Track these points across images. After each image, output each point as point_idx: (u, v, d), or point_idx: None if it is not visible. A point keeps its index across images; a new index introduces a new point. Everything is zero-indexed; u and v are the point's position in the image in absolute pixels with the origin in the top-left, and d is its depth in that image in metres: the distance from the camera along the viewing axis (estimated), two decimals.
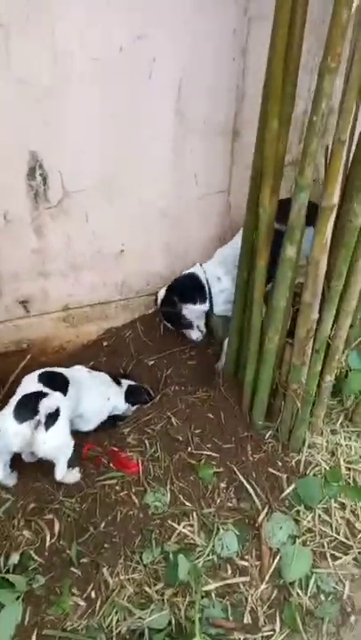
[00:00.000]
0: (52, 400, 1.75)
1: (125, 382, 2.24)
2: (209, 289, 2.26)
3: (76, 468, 1.93)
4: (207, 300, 2.27)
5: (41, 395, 1.75)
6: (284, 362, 1.94)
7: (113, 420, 2.20)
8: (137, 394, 2.23)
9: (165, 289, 2.32)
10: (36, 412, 1.69)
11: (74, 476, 1.91)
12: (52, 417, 1.73)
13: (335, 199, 1.49)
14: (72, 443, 1.84)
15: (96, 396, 2.08)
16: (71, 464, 1.88)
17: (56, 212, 2.07)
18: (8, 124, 1.81)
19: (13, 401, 1.77)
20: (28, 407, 1.71)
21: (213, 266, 2.27)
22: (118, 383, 2.21)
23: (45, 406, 1.72)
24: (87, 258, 2.27)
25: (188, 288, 2.27)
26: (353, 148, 1.58)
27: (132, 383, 2.27)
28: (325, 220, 1.52)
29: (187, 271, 2.30)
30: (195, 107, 2.07)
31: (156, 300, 2.37)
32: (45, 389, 1.79)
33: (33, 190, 1.98)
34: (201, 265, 2.29)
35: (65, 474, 1.84)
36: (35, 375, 1.88)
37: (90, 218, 2.15)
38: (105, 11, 1.74)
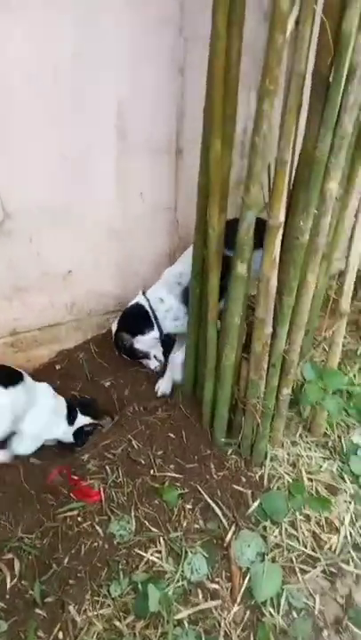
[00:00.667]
0: None
1: (80, 421, 2.16)
2: (154, 314, 2.24)
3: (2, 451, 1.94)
4: (155, 327, 2.25)
5: None
6: (241, 377, 1.94)
7: (70, 445, 2.14)
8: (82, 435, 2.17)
9: (116, 323, 2.31)
10: None
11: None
12: None
13: (281, 217, 1.51)
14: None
15: (43, 420, 2.03)
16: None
17: None
18: None
19: None
20: None
21: (156, 288, 2.27)
22: (72, 417, 2.15)
23: None
24: (33, 280, 2.19)
25: (134, 320, 2.26)
26: (294, 165, 1.61)
27: (86, 424, 2.17)
28: (273, 238, 1.54)
29: (131, 302, 2.29)
30: (136, 126, 2.05)
31: (112, 333, 2.35)
32: None
33: None
34: (144, 292, 2.28)
35: None
36: None
37: (34, 239, 2.08)
38: (37, 25, 1.69)
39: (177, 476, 1.97)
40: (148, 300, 2.26)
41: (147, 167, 2.16)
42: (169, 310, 2.24)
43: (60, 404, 2.14)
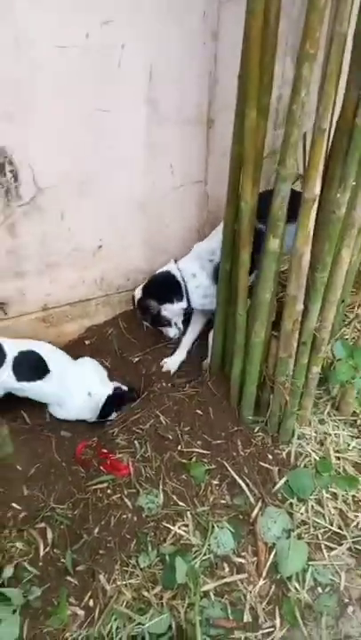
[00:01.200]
0: None
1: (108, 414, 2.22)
2: (185, 286, 2.21)
3: None
4: (184, 298, 2.23)
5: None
6: (270, 355, 1.92)
7: (102, 421, 2.17)
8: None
9: (141, 289, 2.27)
10: None
11: None
12: None
13: (317, 190, 1.45)
14: None
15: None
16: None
17: (29, 209, 1.98)
18: None
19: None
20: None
21: (189, 262, 2.22)
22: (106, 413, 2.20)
23: None
24: (64, 255, 2.19)
25: (165, 288, 2.22)
26: (331, 135, 1.54)
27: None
28: (308, 212, 1.49)
29: (161, 269, 2.25)
30: (167, 95, 1.99)
31: (133, 299, 2.32)
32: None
33: (3, 187, 1.88)
34: (176, 262, 2.24)
35: None
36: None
37: (65, 214, 2.07)
38: None
39: (204, 452, 1.98)
40: (180, 270, 2.22)
41: (177, 139, 2.10)
42: (199, 287, 2.20)
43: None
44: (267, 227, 1.58)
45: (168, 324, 2.34)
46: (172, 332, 2.38)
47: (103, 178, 2.06)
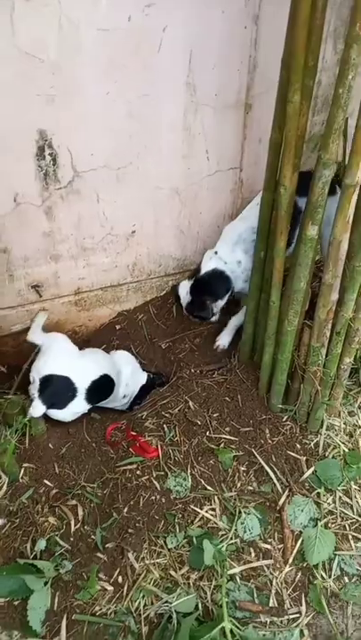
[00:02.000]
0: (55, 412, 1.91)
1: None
2: (233, 278, 2.19)
3: None
4: (231, 290, 2.22)
5: (66, 389, 1.90)
6: (302, 344, 1.90)
7: (131, 405, 2.21)
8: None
9: (189, 289, 2.23)
10: (44, 396, 1.86)
11: None
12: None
13: (359, 176, 1.43)
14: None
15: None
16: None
17: (66, 192, 2.00)
18: (15, 102, 1.73)
19: (77, 358, 1.99)
20: (48, 387, 1.86)
21: (230, 249, 2.17)
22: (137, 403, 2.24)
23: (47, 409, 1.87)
24: (98, 240, 2.22)
25: (216, 287, 2.20)
26: None
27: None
28: (348, 199, 1.47)
29: (207, 266, 2.19)
30: (206, 79, 1.98)
31: (177, 296, 2.31)
32: (80, 392, 1.93)
33: (42, 171, 1.91)
34: (216, 253, 2.18)
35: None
36: (97, 370, 1.99)
37: (101, 198, 2.09)
38: None
39: (232, 438, 1.99)
40: (226, 263, 2.18)
41: (214, 124, 2.09)
42: (244, 271, 2.16)
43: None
44: (304, 213, 1.57)
45: (214, 314, 2.33)
46: (214, 318, 2.35)
47: (140, 163, 2.07)
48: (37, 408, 1.82)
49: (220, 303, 2.24)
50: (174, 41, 1.84)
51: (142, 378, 2.21)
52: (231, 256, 2.16)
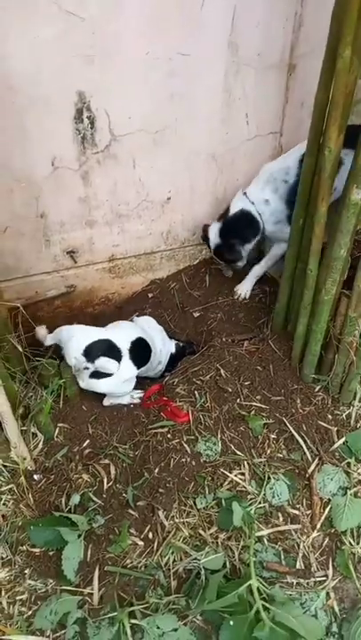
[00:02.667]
0: (109, 365, 1.88)
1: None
2: (261, 219, 2.16)
3: (139, 392, 2.09)
4: (260, 232, 2.18)
5: (115, 353, 1.89)
6: (338, 314, 1.87)
7: (162, 373, 2.24)
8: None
9: (218, 231, 2.22)
10: (93, 360, 1.84)
11: (131, 398, 2.08)
12: (104, 374, 1.88)
13: None
14: (124, 393, 2.00)
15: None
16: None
17: (103, 157, 2.00)
18: (55, 62, 1.72)
19: (100, 330, 1.96)
20: (95, 351, 1.85)
21: (259, 188, 2.13)
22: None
23: (99, 364, 1.86)
24: (133, 206, 2.21)
25: (244, 229, 2.17)
26: None
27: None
28: None
29: (235, 206, 2.17)
30: (249, 38, 1.92)
31: (206, 237, 2.28)
32: (125, 354, 1.92)
33: (80, 134, 1.91)
34: (245, 194, 2.15)
35: (111, 403, 2.04)
36: (133, 333, 2.00)
37: (137, 163, 2.07)
38: None
39: (263, 406, 2.00)
40: (253, 203, 2.15)
41: (255, 86, 2.04)
42: (273, 213, 2.13)
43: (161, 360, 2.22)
44: (349, 176, 1.52)
45: (241, 258, 2.31)
46: (240, 263, 2.36)
47: (178, 127, 2.04)
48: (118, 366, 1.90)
49: (249, 246, 2.23)
50: None
51: (171, 346, 2.24)
52: (260, 195, 2.13)
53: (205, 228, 2.30)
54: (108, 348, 1.87)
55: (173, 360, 2.25)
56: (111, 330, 2.00)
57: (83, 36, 1.70)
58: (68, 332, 1.91)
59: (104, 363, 1.87)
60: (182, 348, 2.29)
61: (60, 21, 1.65)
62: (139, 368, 1.98)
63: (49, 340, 1.96)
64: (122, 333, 1.97)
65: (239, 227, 2.18)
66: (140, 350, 1.99)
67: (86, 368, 1.88)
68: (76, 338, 1.88)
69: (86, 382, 1.93)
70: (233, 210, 2.17)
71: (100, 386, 1.93)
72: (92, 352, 1.85)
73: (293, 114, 2.15)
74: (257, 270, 2.38)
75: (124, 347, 1.91)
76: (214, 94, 2.00)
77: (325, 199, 1.62)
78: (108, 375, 1.90)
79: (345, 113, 1.46)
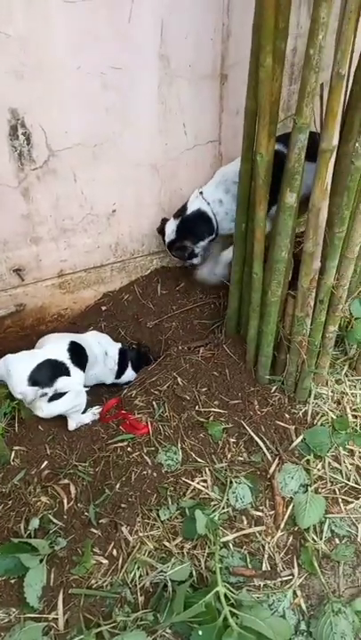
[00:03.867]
0: (68, 382, 1.84)
1: (127, 376, 2.30)
2: (215, 218, 2.21)
3: (98, 408, 2.06)
4: (215, 230, 2.24)
5: (62, 369, 1.85)
6: (286, 314, 1.91)
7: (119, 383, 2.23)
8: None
9: (174, 228, 2.26)
10: (49, 384, 1.79)
11: (92, 415, 2.04)
12: (60, 394, 1.83)
13: (335, 141, 1.42)
14: (83, 402, 1.95)
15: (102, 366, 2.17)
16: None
17: (42, 172, 1.98)
18: None
19: (35, 352, 1.87)
20: (44, 375, 1.79)
21: (213, 188, 2.19)
22: (122, 370, 2.27)
23: (60, 385, 1.82)
24: (78, 220, 2.20)
25: (198, 227, 2.23)
26: (350, 83, 1.49)
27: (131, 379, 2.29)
28: (325, 164, 1.46)
29: (190, 205, 2.22)
30: (179, 50, 1.95)
31: (162, 231, 2.33)
32: (69, 364, 1.88)
33: (17, 151, 1.88)
34: (201, 193, 2.20)
35: (77, 423, 1.98)
36: (64, 342, 1.93)
37: (78, 177, 2.06)
38: None
39: (221, 411, 2.01)
40: (208, 203, 2.20)
41: (190, 96, 2.07)
42: (228, 212, 2.19)
43: (111, 358, 2.21)
44: (282, 181, 1.56)
45: (196, 256, 2.36)
46: (196, 260, 2.40)
47: (116, 139, 2.04)
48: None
49: (202, 244, 2.29)
50: (144, 10, 1.81)
51: (115, 347, 2.26)
52: (213, 195, 2.19)
53: (163, 222, 2.33)
54: (55, 367, 1.84)
55: (124, 358, 2.27)
56: (45, 348, 1.92)
57: (10, 53, 1.69)
58: (3, 365, 1.81)
59: (65, 382, 1.84)
60: (132, 349, 2.32)
61: None
62: (83, 370, 1.95)
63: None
64: (55, 346, 1.92)
65: (195, 225, 2.23)
66: (77, 352, 1.96)
67: (44, 395, 1.81)
68: (14, 369, 1.77)
69: (47, 409, 1.86)
70: (190, 209, 2.22)
71: (61, 406, 1.87)
72: (41, 377, 1.79)
73: (230, 122, 2.20)
74: (224, 258, 2.39)
75: (65, 357, 1.88)
76: (150, 106, 2.02)
77: (263, 203, 1.66)
78: (64, 393, 1.86)
79: (273, 119, 1.50)
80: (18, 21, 1.65)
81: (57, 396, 1.85)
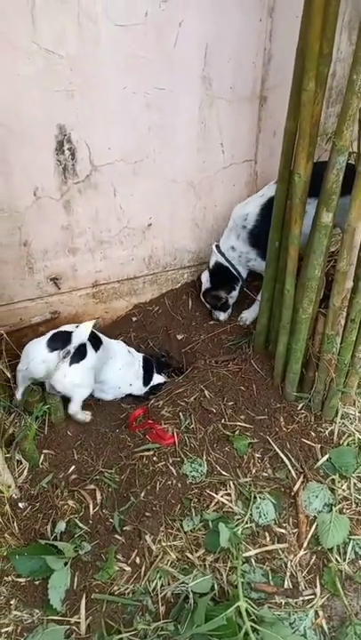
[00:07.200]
0: (83, 332, 1.88)
1: (156, 380, 2.31)
2: (234, 267, 2.33)
3: (89, 412, 2.08)
4: (239, 278, 2.37)
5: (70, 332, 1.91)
6: (316, 332, 1.92)
7: (147, 394, 2.26)
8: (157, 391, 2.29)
9: (208, 280, 2.41)
10: (67, 343, 1.86)
11: (85, 415, 2.06)
12: (79, 355, 1.88)
13: None
14: (91, 388, 2.00)
15: (118, 372, 2.17)
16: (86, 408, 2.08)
17: (84, 186, 2.05)
18: (35, 97, 1.79)
19: (50, 333, 1.95)
20: (61, 338, 1.89)
21: (226, 237, 2.32)
22: (149, 376, 2.29)
23: (77, 338, 1.86)
24: (115, 233, 2.26)
25: (223, 280, 2.38)
26: None
27: (160, 382, 2.32)
28: None
29: (211, 261, 2.39)
30: (221, 72, 2.02)
31: (200, 282, 2.47)
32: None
33: (61, 165, 1.96)
34: (217, 246, 2.34)
35: (77, 410, 2.00)
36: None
37: (117, 192, 2.13)
38: None
39: (247, 426, 2.02)
40: (223, 254, 2.31)
41: (229, 117, 2.13)
42: (241, 255, 2.29)
43: (136, 360, 2.25)
44: (319, 200, 1.59)
45: (228, 307, 2.49)
46: (223, 317, 2.50)
47: (156, 157, 2.11)
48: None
49: (235, 294, 2.42)
50: (190, 35, 1.88)
51: (139, 355, 2.30)
52: (226, 243, 2.31)
53: (200, 275, 2.50)
54: (69, 334, 1.90)
55: (150, 366, 2.30)
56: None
57: (62, 73, 1.78)
58: (24, 355, 1.94)
59: (82, 329, 1.88)
60: (153, 357, 2.36)
61: (39, 59, 1.73)
62: (96, 350, 1.98)
63: (20, 392, 2.00)
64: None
65: (219, 279, 2.39)
66: (94, 335, 2.00)
67: (67, 354, 1.85)
68: (32, 346, 1.92)
69: (70, 374, 1.87)
70: (211, 264, 2.40)
71: (80, 374, 1.90)
72: (57, 341, 1.89)
73: (266, 142, 2.25)
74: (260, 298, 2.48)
75: (86, 331, 1.91)
76: (190, 125, 2.09)
77: (298, 222, 1.69)
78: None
79: (312, 141, 1.54)
80: (70, 43, 1.74)
81: (75, 359, 1.87)
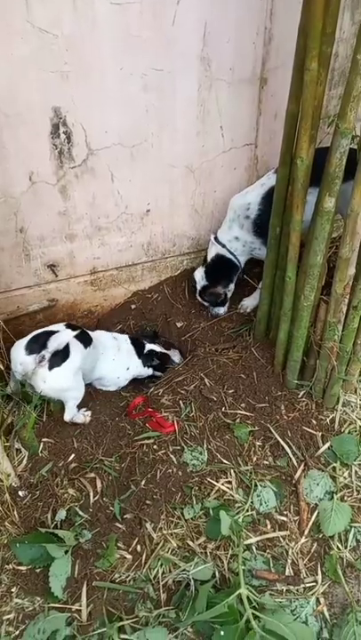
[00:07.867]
0: (64, 337, 1.83)
1: (149, 347, 2.28)
2: (236, 258, 2.29)
3: (89, 412, 2.05)
4: (239, 268, 2.32)
5: (54, 332, 1.86)
6: (318, 319, 1.90)
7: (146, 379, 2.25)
8: (160, 361, 2.28)
9: (203, 277, 2.35)
10: (44, 346, 1.80)
11: (83, 418, 2.02)
12: (59, 358, 1.79)
13: None
14: (81, 389, 1.94)
15: (113, 363, 2.15)
16: (84, 405, 2.05)
17: (81, 171, 2.01)
18: (30, 79, 1.74)
19: (32, 333, 1.89)
20: (40, 341, 1.82)
21: (226, 229, 2.27)
22: (141, 347, 2.25)
23: (55, 342, 1.80)
24: (113, 219, 2.22)
25: (224, 273, 2.33)
26: None
27: (156, 350, 2.29)
28: None
29: (210, 253, 2.33)
30: (220, 53, 1.96)
31: (195, 284, 2.41)
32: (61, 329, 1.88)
33: (57, 149, 1.92)
34: (216, 238, 2.28)
35: (72, 416, 1.96)
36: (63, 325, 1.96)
37: (115, 176, 2.09)
38: None
39: (248, 414, 2.01)
40: (224, 245, 2.26)
41: (228, 99, 2.07)
42: (245, 245, 2.25)
43: (123, 344, 2.22)
44: (321, 185, 1.55)
45: (226, 302, 2.45)
46: (222, 311, 2.47)
47: (154, 141, 2.06)
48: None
49: (232, 286, 2.38)
50: (188, 13, 1.82)
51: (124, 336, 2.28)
52: (228, 234, 2.25)
53: (192, 275, 2.44)
54: (50, 334, 1.85)
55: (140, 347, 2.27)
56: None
57: (57, 53, 1.72)
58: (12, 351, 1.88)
59: (58, 337, 1.82)
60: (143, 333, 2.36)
61: (34, 39, 1.67)
62: (86, 347, 1.92)
63: (12, 384, 1.97)
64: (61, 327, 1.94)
65: (220, 271, 2.33)
66: (82, 332, 1.96)
67: (42, 359, 1.77)
68: (16, 345, 1.86)
69: (48, 378, 1.78)
70: (210, 256, 2.33)
71: (63, 379, 1.81)
72: (36, 343, 1.82)
73: (267, 126, 2.20)
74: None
75: (69, 334, 1.87)
76: (189, 108, 2.04)
77: (300, 207, 1.66)
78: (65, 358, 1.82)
79: (315, 124, 1.50)
80: (65, 22, 1.68)
81: (56, 362, 1.78)
